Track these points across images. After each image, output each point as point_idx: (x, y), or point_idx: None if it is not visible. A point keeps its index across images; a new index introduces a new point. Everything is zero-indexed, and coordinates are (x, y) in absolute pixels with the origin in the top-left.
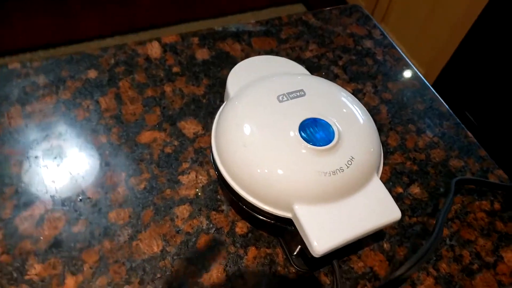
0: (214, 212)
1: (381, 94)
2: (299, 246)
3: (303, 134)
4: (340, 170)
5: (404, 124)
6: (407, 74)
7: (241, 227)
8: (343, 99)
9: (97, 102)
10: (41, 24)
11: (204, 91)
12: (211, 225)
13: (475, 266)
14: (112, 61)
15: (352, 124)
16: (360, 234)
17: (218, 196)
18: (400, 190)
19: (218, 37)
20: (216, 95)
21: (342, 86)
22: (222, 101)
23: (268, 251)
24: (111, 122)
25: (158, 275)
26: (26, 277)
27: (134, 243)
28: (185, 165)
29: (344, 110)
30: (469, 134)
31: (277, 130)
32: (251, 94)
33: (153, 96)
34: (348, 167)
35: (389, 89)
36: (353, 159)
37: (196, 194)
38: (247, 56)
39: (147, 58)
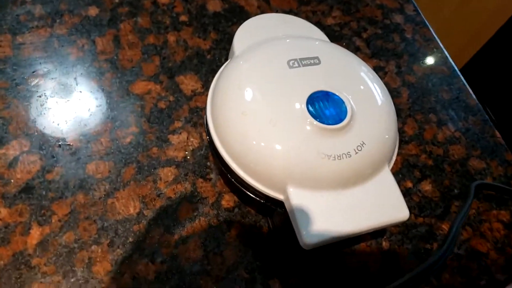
0: (201, 180)
1: (404, 75)
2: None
3: (310, 108)
4: (347, 155)
5: (425, 112)
6: (437, 58)
7: (228, 200)
8: (363, 74)
9: (94, 42)
10: None
11: (210, 45)
12: (196, 193)
13: (483, 283)
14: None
15: (369, 105)
16: (359, 231)
17: (208, 163)
18: (409, 184)
19: None
20: (222, 52)
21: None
22: (227, 60)
23: (254, 231)
24: (105, 66)
25: (130, 239)
26: None
27: (109, 200)
28: (178, 124)
29: (362, 87)
30: (497, 134)
31: (282, 99)
32: (259, 55)
33: (154, 44)
34: (356, 153)
35: (414, 72)
36: (363, 145)
37: (185, 157)
38: (262, 13)
39: (155, 2)
